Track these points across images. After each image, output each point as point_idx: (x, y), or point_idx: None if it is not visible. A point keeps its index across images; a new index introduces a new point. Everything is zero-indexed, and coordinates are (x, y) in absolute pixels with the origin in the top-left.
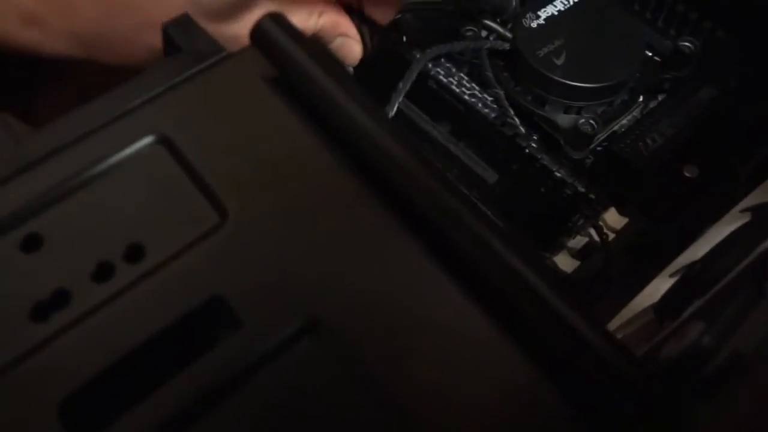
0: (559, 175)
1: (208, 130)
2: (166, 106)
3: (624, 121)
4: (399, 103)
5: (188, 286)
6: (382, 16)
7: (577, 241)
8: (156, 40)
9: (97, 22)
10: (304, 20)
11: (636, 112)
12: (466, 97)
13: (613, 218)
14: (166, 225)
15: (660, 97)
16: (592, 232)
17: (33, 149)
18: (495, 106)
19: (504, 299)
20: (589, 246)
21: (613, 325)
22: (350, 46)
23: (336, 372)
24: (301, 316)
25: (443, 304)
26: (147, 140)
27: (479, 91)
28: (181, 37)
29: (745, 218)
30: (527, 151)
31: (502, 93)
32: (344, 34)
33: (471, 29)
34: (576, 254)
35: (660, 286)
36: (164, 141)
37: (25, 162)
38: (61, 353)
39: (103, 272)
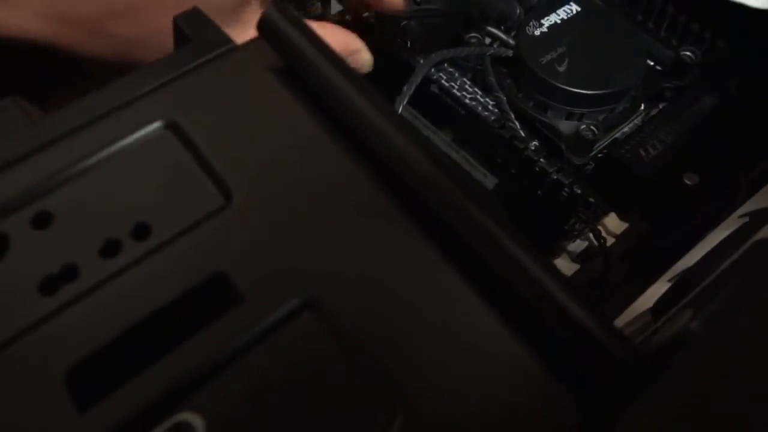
0: (556, 177)
1: (215, 117)
2: (175, 93)
3: (625, 129)
4: (402, 108)
5: (192, 262)
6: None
7: (578, 245)
8: (122, 30)
9: (62, 3)
10: None
11: (637, 120)
12: (467, 101)
13: (613, 223)
14: (172, 205)
15: (661, 106)
16: (592, 236)
17: (46, 131)
18: (496, 110)
19: (505, 288)
20: (590, 250)
21: None
22: (361, 58)
23: (332, 349)
24: (299, 294)
25: (442, 291)
26: (156, 125)
27: (481, 96)
28: (191, 29)
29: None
30: (525, 153)
31: (504, 98)
32: (354, 50)
33: (475, 36)
34: (576, 258)
35: (659, 290)
36: (172, 126)
37: (38, 143)
38: (68, 325)
39: (110, 248)
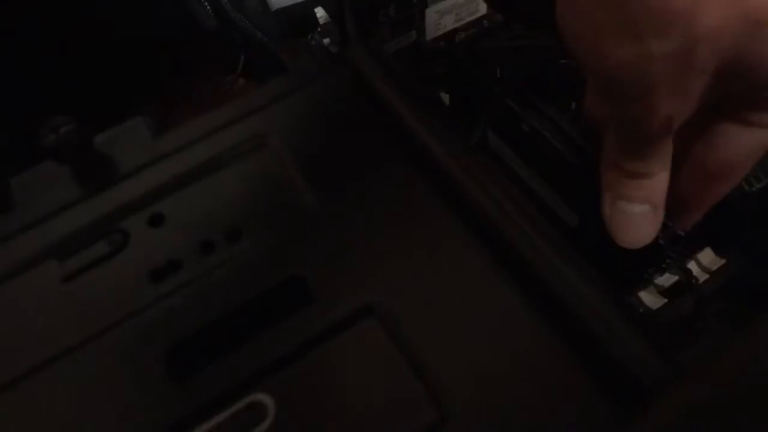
0: None
1: (304, 136)
2: (272, 114)
3: None
4: (488, 136)
5: (274, 265)
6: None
7: (666, 279)
8: None
9: None
10: None
11: None
12: (557, 142)
13: (708, 258)
14: (260, 213)
15: None
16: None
17: (165, 145)
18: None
19: (559, 306)
20: (679, 284)
21: None
22: None
23: (388, 350)
24: (365, 301)
25: (503, 315)
26: (253, 142)
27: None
28: (289, 60)
29: None
30: None
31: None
32: None
33: (567, 62)
34: (664, 292)
35: None
36: (267, 143)
37: (158, 155)
38: (171, 310)
39: (207, 248)
